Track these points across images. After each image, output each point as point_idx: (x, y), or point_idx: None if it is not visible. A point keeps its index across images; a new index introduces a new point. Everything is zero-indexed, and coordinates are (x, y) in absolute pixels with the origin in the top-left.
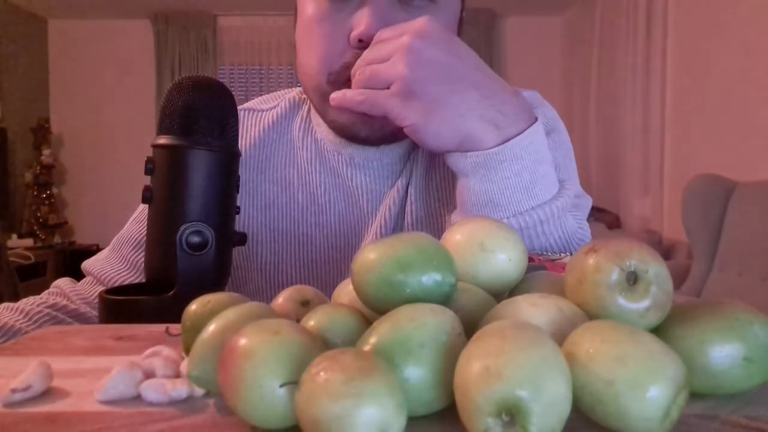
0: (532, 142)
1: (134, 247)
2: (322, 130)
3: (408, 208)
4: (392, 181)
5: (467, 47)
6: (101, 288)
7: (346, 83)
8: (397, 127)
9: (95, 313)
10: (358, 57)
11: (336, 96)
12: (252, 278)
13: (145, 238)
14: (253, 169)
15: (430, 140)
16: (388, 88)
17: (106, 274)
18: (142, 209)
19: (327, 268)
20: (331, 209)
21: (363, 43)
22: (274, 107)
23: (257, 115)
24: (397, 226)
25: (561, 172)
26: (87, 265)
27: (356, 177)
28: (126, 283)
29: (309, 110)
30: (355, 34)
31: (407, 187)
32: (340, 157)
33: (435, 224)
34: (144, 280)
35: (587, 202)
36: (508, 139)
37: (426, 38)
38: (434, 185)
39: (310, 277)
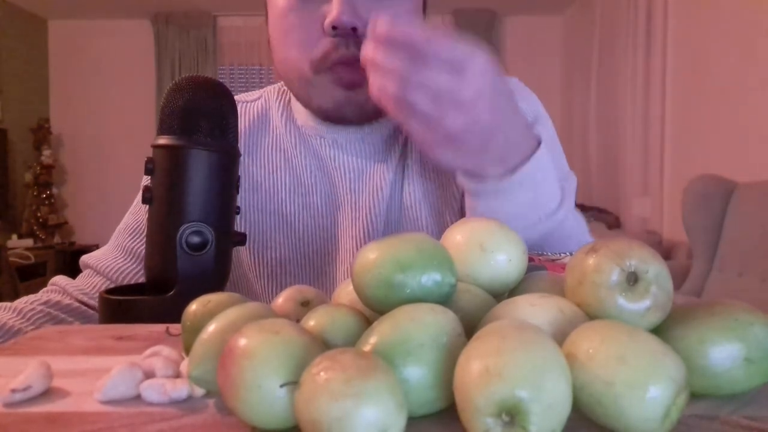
0: (538, 167)
1: (130, 235)
2: (301, 116)
3: (407, 189)
4: (378, 161)
5: (506, 92)
6: (100, 279)
7: (330, 70)
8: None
9: (92, 303)
10: (335, 44)
11: (370, 56)
12: (242, 257)
13: (141, 226)
14: (242, 153)
15: (435, 161)
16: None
17: (102, 263)
18: (135, 202)
19: (314, 246)
20: (316, 191)
21: (337, 30)
22: (258, 98)
23: (243, 106)
24: (391, 207)
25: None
26: (84, 258)
27: (338, 157)
28: (124, 270)
29: (289, 101)
30: (328, 21)
31: (403, 169)
32: (322, 140)
33: (432, 206)
34: (142, 269)
35: (573, 183)
36: (514, 170)
37: (481, 99)
38: (431, 168)
39: (298, 256)
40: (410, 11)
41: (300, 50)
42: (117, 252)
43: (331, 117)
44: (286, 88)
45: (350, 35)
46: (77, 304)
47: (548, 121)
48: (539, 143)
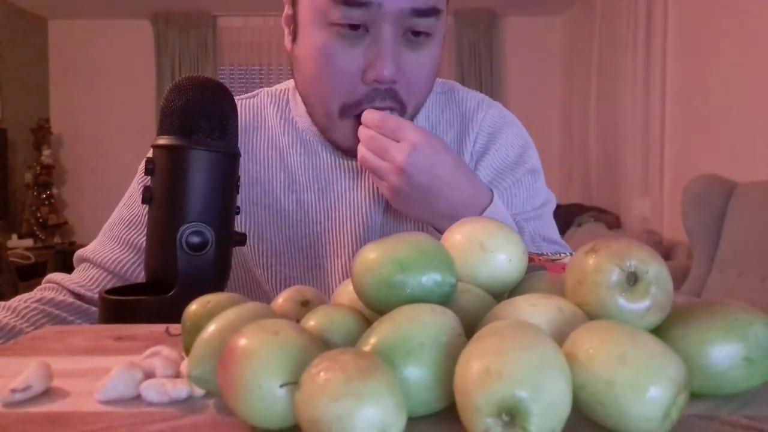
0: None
1: (127, 227)
2: (303, 121)
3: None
4: None
5: (449, 165)
6: (98, 271)
7: (357, 117)
8: None
9: (90, 295)
10: (371, 96)
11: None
12: (237, 249)
13: (138, 218)
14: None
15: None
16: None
17: (99, 256)
18: (129, 195)
19: (308, 241)
20: (310, 188)
21: (377, 83)
22: (253, 97)
23: (238, 103)
24: (389, 206)
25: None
26: (80, 252)
27: (337, 160)
28: (122, 261)
29: (288, 101)
30: (373, 76)
31: None
32: (323, 147)
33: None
34: (141, 260)
35: (551, 205)
36: None
37: (414, 167)
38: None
39: (292, 249)
40: (437, 55)
41: (333, 92)
42: (114, 244)
43: (344, 152)
44: (282, 90)
45: (388, 89)
46: (72, 299)
47: (533, 151)
48: (491, 200)
